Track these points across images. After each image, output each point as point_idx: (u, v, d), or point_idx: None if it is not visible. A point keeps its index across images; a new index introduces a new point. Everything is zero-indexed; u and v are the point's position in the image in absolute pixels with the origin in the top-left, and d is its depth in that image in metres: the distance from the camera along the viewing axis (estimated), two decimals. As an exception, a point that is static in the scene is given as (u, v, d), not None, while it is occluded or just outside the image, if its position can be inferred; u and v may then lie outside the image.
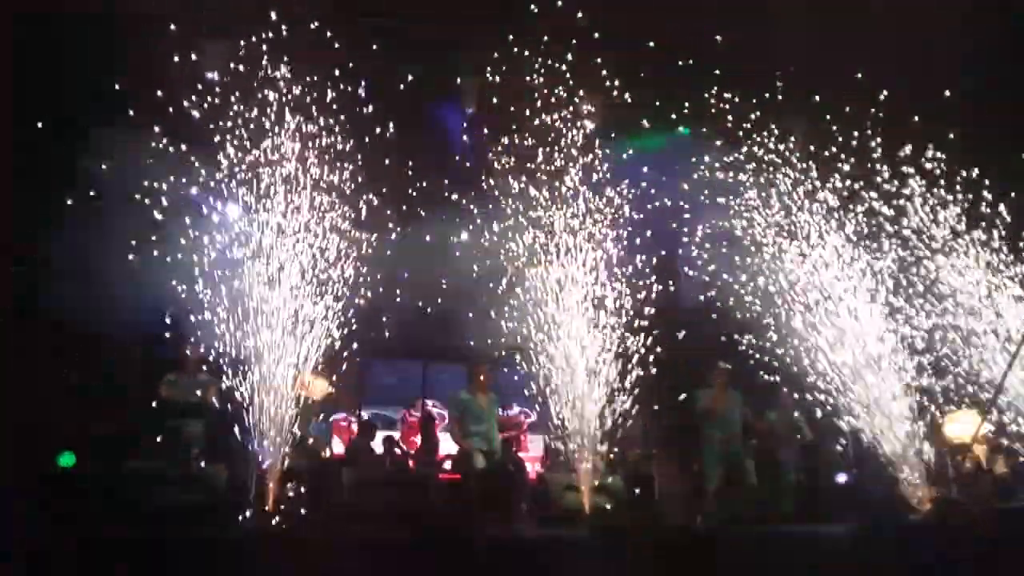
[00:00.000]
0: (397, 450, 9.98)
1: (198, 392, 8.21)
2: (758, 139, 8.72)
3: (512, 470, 8.45)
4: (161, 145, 8.09)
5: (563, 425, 8.14)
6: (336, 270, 8.01)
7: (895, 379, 7.96)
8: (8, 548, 5.59)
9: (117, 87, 8.25)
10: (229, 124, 7.91)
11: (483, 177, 8.64)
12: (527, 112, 8.57)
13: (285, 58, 8.07)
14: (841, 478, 8.76)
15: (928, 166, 8.56)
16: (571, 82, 8.50)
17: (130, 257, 7.94)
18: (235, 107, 7.91)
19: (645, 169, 8.82)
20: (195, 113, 7.90)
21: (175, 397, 8.20)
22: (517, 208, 8.43)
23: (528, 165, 8.49)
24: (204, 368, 8.17)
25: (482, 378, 8.28)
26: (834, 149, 8.60)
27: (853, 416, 8.01)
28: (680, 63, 8.84)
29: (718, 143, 8.78)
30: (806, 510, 8.32)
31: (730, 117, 8.72)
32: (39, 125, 8.52)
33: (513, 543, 6.97)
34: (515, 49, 8.56)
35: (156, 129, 8.16)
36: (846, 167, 8.57)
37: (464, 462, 8.04)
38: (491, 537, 6.76)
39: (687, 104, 9.03)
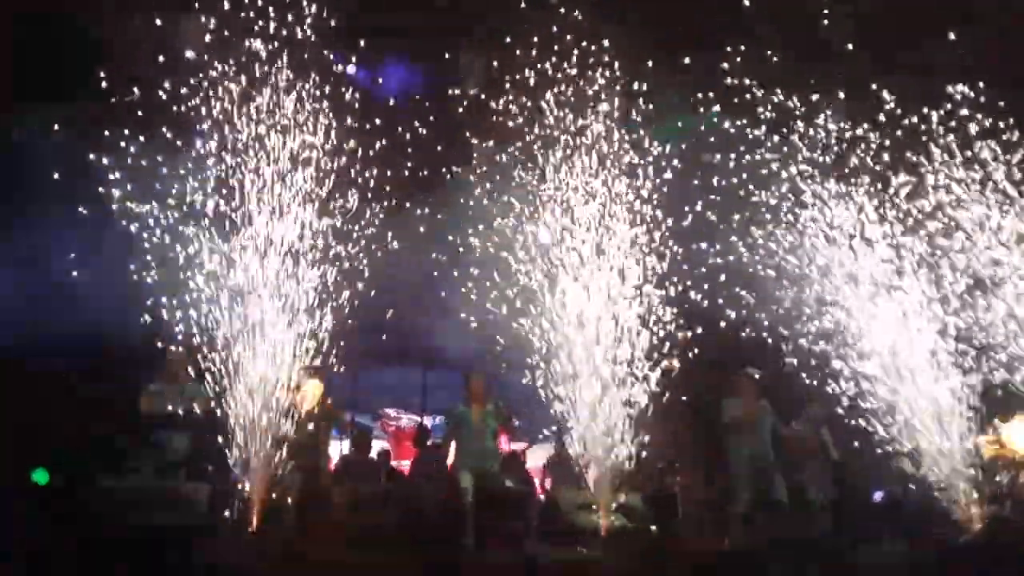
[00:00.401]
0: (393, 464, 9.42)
1: (183, 402, 7.59)
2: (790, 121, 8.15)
3: (510, 487, 7.95)
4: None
5: (572, 436, 7.55)
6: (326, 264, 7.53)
7: (940, 381, 7.35)
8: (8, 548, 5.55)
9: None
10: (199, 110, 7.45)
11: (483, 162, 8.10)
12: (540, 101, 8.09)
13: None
14: (878, 495, 8.12)
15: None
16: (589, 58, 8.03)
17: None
18: (205, 94, 7.47)
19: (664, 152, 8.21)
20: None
21: (158, 409, 7.60)
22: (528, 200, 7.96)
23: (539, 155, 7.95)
24: (188, 374, 7.54)
25: (473, 388, 7.80)
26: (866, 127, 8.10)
27: (894, 426, 7.39)
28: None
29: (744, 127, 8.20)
30: (837, 530, 7.80)
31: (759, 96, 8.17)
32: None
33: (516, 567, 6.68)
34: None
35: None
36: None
37: (451, 482, 7.57)
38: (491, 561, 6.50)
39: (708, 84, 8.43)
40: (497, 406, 7.82)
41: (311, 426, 7.71)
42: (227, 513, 6.88)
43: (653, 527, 7.46)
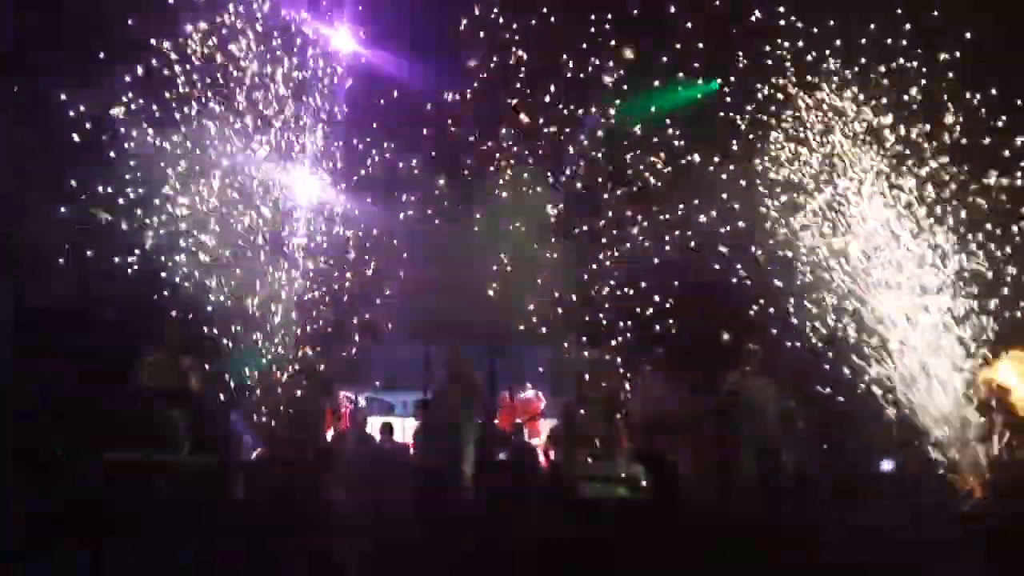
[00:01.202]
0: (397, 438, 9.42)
1: (181, 375, 7.59)
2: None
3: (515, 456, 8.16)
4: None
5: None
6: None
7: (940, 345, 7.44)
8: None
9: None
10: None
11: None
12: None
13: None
14: (886, 465, 8.14)
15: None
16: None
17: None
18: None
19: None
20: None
21: (156, 382, 7.58)
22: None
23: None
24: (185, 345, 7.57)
25: (451, 365, 7.98)
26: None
27: (895, 392, 7.47)
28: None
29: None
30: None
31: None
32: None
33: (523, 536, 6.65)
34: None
35: None
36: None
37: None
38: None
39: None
40: (469, 383, 7.96)
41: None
42: (231, 485, 6.96)
43: (655, 497, 7.50)
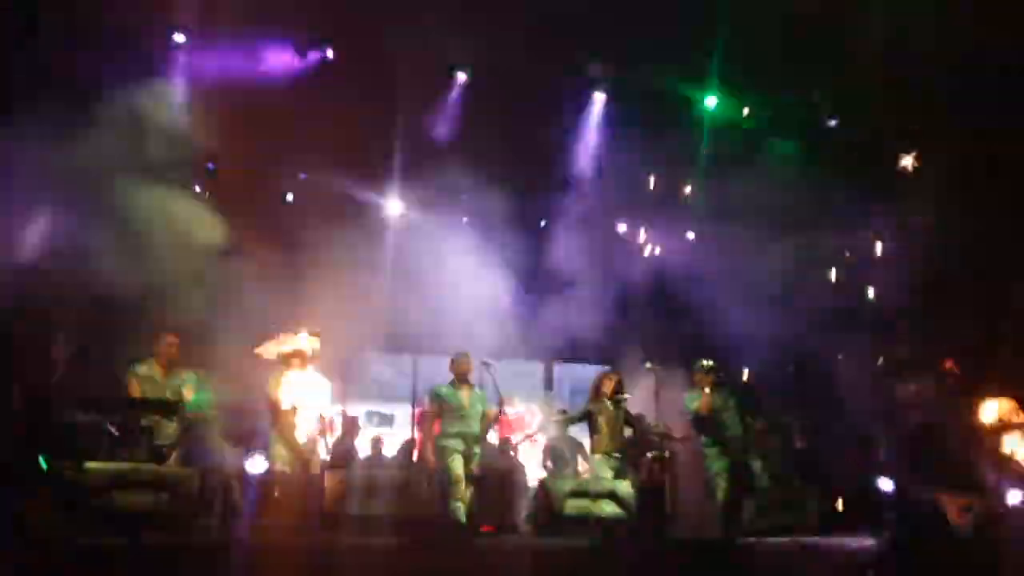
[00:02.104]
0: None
1: (173, 387, 7.51)
2: None
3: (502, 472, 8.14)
4: None
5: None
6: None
7: None
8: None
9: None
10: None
11: None
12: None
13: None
14: (887, 485, 8.04)
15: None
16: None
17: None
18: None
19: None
20: None
21: (145, 393, 7.45)
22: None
23: None
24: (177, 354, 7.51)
25: (460, 370, 7.65)
26: None
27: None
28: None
29: None
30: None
31: None
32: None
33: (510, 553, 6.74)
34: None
35: None
36: None
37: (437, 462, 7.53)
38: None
39: None
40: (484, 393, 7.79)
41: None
42: (217, 496, 6.95)
43: (642, 516, 7.50)
